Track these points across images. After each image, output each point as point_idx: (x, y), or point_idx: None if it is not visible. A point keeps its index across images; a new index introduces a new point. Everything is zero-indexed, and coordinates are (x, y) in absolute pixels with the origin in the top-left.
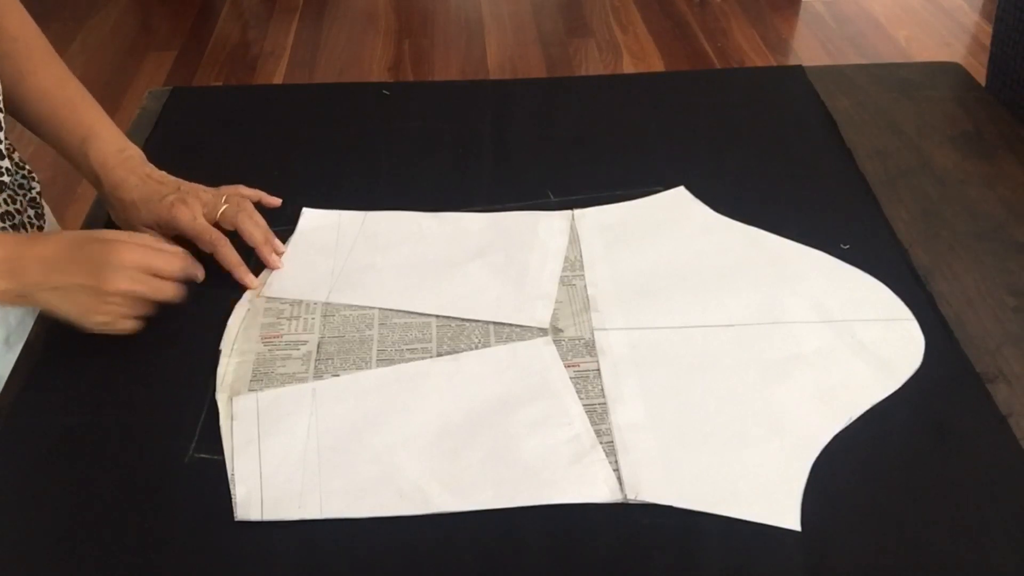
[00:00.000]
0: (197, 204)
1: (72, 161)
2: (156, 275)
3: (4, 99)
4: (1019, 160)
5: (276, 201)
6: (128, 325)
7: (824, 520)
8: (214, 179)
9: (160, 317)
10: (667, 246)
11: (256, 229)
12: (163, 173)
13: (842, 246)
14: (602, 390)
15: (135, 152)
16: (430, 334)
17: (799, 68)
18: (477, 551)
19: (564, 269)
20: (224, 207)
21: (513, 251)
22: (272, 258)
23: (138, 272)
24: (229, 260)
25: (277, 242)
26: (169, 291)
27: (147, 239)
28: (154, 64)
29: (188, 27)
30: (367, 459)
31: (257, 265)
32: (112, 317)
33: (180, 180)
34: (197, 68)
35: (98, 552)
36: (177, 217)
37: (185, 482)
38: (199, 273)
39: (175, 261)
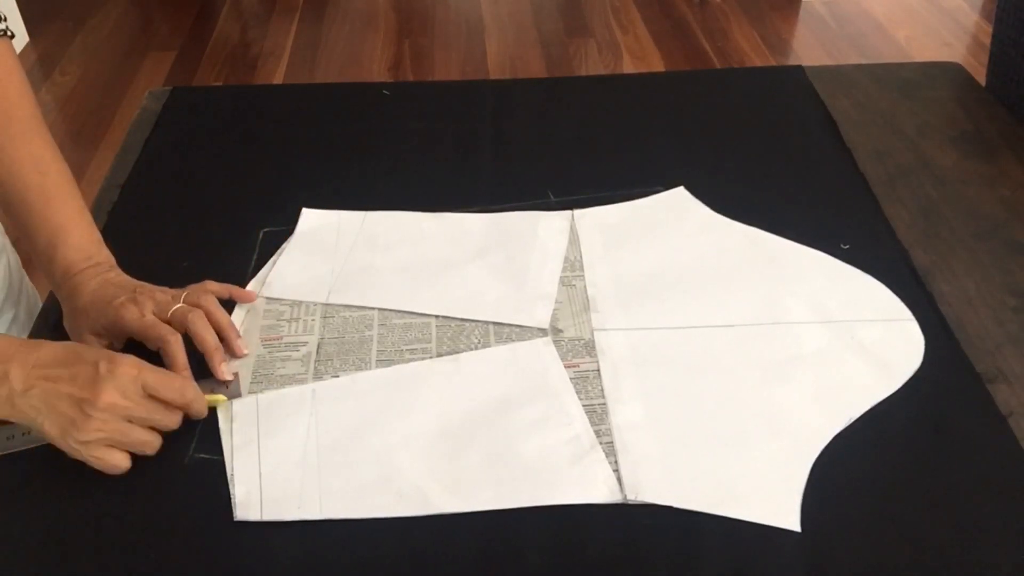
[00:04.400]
0: (148, 303)
1: (35, 260)
2: (155, 398)
3: None
4: (1019, 160)
5: (251, 296)
6: (114, 458)
7: (824, 520)
8: (214, 179)
9: None
10: (667, 246)
11: (207, 332)
12: (127, 277)
13: (842, 246)
14: (602, 390)
15: (104, 258)
16: (430, 334)
17: (799, 68)
18: (477, 551)
19: (564, 269)
20: (176, 306)
21: (513, 251)
22: (221, 368)
23: (135, 389)
24: (176, 361)
25: (238, 343)
26: (166, 420)
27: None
28: (154, 64)
29: (188, 27)
30: (367, 460)
31: (257, 265)
32: (94, 437)
33: (141, 283)
34: (197, 68)
35: (99, 552)
36: (123, 316)
37: (185, 482)
38: (202, 409)
39: (179, 385)
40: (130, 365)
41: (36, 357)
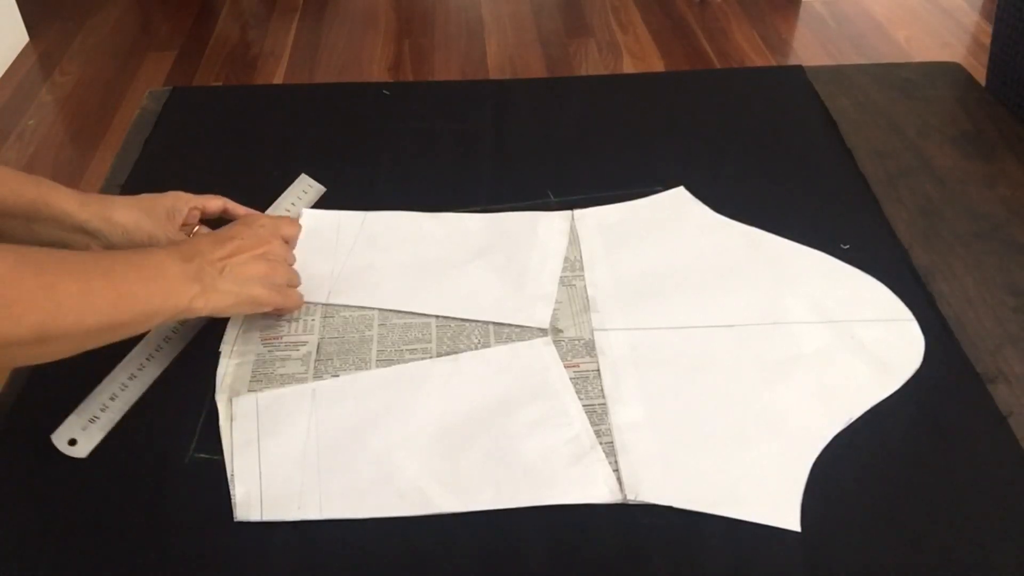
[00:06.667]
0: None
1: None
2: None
3: None
4: (1019, 160)
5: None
6: (297, 298)
7: (824, 520)
8: (214, 179)
9: None
10: (667, 246)
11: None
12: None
13: (842, 246)
14: (602, 390)
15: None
16: (430, 334)
17: (799, 68)
18: (477, 551)
19: (564, 269)
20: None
21: (513, 251)
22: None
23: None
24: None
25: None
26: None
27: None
28: (154, 64)
29: (188, 27)
30: (367, 459)
31: None
32: (287, 276)
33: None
34: (197, 68)
35: (98, 552)
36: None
37: (185, 482)
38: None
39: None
40: (259, 218)
41: (196, 248)
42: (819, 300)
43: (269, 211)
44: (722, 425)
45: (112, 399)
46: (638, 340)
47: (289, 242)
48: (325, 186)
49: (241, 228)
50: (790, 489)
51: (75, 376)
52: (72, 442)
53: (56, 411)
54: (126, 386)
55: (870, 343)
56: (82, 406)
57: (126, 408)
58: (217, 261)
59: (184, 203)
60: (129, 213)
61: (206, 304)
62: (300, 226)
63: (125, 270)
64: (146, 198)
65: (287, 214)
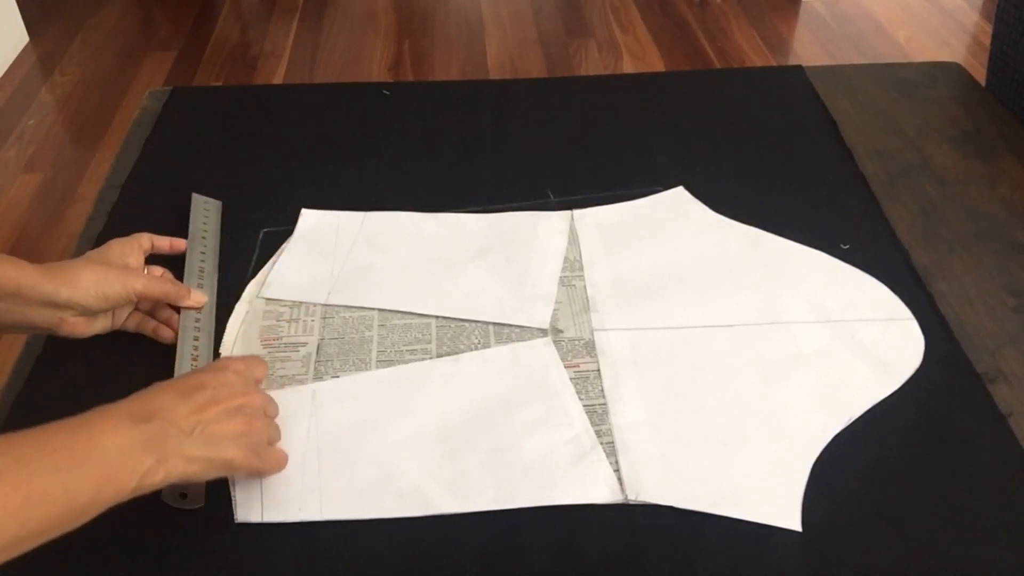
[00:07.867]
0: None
1: None
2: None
3: None
4: (1019, 160)
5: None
6: (279, 457)
7: (824, 520)
8: (214, 179)
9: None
10: (667, 246)
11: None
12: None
13: (842, 246)
14: (602, 390)
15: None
16: (430, 335)
17: (799, 68)
18: (477, 552)
19: (564, 269)
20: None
21: (513, 252)
22: (195, 297)
23: (248, 380)
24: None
25: (193, 295)
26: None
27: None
28: (154, 64)
29: (188, 27)
30: (367, 460)
31: (257, 265)
32: (267, 433)
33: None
34: (197, 68)
35: (98, 553)
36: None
37: None
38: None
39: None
40: (231, 363)
41: (156, 404)
42: (819, 300)
43: (189, 242)
44: (722, 425)
45: None
46: (638, 340)
47: (259, 384)
48: (325, 186)
49: (209, 375)
50: (790, 489)
51: (75, 378)
52: (183, 495)
53: (55, 412)
54: None
55: (870, 343)
56: None
57: None
58: (184, 419)
59: (128, 247)
60: (94, 269)
61: (166, 476)
62: (267, 366)
63: (40, 459)
64: (94, 254)
65: (203, 240)
